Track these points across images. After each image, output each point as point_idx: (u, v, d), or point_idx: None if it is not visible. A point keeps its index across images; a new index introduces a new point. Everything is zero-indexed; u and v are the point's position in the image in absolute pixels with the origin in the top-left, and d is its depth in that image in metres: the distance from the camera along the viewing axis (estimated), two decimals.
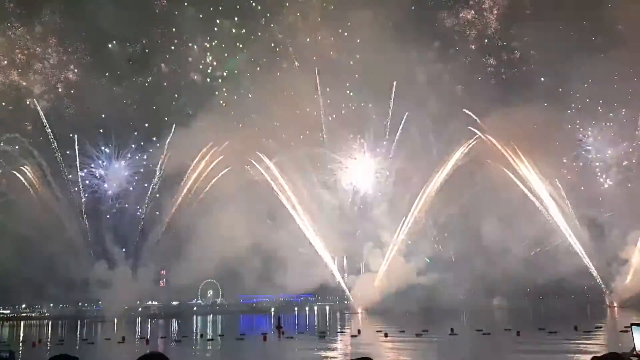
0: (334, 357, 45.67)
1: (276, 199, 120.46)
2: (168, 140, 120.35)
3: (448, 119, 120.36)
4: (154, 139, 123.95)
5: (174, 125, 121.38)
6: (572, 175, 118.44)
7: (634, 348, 4.83)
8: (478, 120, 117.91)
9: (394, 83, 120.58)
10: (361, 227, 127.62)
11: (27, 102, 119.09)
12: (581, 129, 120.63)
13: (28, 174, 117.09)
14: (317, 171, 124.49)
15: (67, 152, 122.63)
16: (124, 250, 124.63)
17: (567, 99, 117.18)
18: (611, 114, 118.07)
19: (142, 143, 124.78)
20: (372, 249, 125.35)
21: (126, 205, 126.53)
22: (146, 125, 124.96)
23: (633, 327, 4.89)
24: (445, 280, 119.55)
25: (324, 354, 47.45)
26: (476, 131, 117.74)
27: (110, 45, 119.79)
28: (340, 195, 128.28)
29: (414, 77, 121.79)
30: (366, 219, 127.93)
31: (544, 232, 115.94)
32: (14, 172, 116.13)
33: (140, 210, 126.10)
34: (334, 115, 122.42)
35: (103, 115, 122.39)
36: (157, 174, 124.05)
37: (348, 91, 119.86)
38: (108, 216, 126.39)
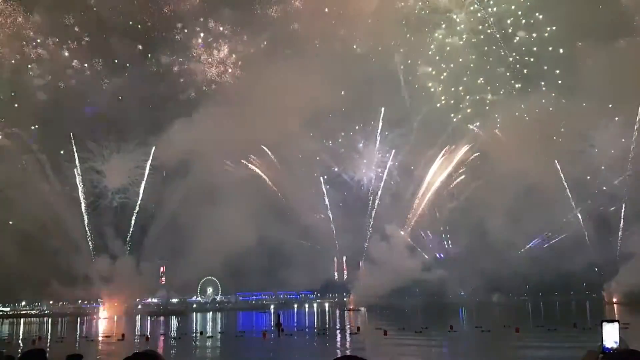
0: (332, 355, 45.57)
1: (278, 194, 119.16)
2: (169, 133, 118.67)
3: (454, 110, 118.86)
4: (155, 132, 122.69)
5: (176, 117, 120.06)
6: (578, 168, 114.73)
7: (602, 345, 4.95)
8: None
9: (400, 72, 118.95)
10: (364, 221, 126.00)
11: (26, 96, 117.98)
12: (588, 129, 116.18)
13: (28, 169, 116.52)
14: (320, 164, 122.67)
15: (67, 146, 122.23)
16: (126, 247, 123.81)
17: (575, 90, 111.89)
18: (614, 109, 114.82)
19: (143, 136, 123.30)
20: (374, 245, 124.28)
21: (127, 200, 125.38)
22: (147, 117, 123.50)
23: (603, 324, 5.01)
24: (446, 277, 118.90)
25: (322, 351, 47.49)
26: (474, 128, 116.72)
27: (110, 37, 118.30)
28: (343, 188, 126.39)
29: (418, 67, 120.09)
30: (369, 213, 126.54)
31: (548, 227, 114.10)
32: (14, 167, 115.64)
33: (141, 205, 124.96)
34: (338, 107, 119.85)
35: (103, 108, 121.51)
36: (159, 167, 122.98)
37: (352, 81, 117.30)
38: (108, 211, 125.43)
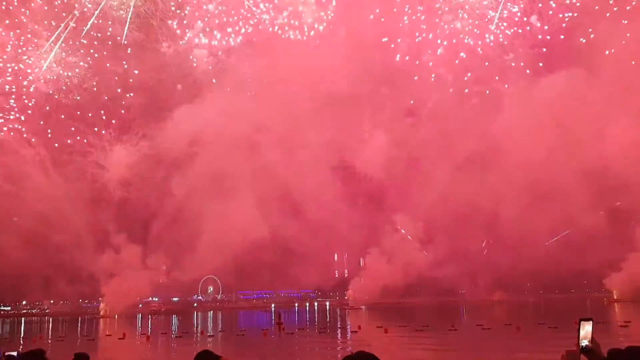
0: (334, 353, 45.66)
1: (283, 188, 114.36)
2: (172, 123, 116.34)
3: (465, 96, 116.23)
4: (158, 122, 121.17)
5: (178, 107, 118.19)
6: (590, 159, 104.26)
7: (578, 343, 5.00)
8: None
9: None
10: (368, 217, 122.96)
11: (26, 89, 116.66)
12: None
13: (27, 163, 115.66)
14: (327, 154, 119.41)
15: (69, 139, 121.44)
16: (128, 244, 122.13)
17: (592, 77, 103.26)
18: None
19: (146, 127, 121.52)
20: (376, 243, 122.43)
21: (130, 194, 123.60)
22: (150, 106, 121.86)
23: (581, 322, 5.04)
24: (449, 275, 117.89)
25: (324, 349, 47.51)
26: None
27: (109, 26, 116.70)
28: (352, 180, 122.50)
29: (428, 53, 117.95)
30: (377, 208, 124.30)
31: (554, 222, 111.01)
32: (14, 162, 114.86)
33: (144, 200, 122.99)
34: (346, 96, 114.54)
35: (104, 98, 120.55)
36: (163, 159, 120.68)
37: (360, 69, 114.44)
38: (110, 207, 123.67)
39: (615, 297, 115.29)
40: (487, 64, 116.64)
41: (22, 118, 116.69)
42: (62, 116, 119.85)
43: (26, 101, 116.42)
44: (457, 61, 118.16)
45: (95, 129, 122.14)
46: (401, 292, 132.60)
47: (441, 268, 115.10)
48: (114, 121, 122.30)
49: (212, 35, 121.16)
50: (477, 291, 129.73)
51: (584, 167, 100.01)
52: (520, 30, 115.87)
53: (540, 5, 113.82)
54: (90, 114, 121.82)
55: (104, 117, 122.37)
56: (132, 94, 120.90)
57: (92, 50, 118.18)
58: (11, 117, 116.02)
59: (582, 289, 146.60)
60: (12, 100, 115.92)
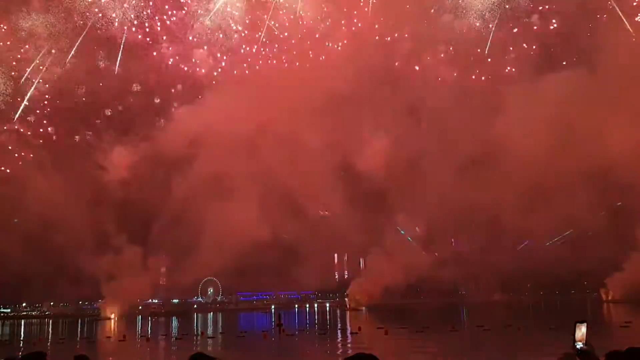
0: (334, 355, 45.59)
1: (284, 189, 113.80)
2: (172, 124, 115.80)
3: (467, 95, 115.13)
4: (158, 123, 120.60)
5: (178, 108, 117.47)
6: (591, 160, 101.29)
7: (574, 345, 4.99)
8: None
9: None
10: (369, 218, 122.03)
11: (27, 90, 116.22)
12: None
13: (28, 164, 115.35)
14: (328, 154, 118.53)
15: (69, 141, 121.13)
16: (128, 245, 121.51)
17: (594, 74, 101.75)
18: None
19: (147, 128, 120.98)
20: (376, 244, 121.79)
21: (130, 195, 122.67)
22: (150, 108, 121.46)
23: (576, 324, 5.04)
24: (449, 276, 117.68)
25: (324, 351, 47.44)
26: None
27: (110, 27, 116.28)
28: (352, 181, 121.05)
29: (431, 50, 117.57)
30: (378, 209, 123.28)
31: (554, 224, 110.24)
32: (13, 163, 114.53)
33: (145, 201, 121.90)
34: (347, 96, 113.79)
35: (105, 101, 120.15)
36: (163, 160, 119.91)
37: (360, 69, 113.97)
38: (111, 208, 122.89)
39: (616, 297, 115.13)
40: (489, 71, 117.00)
41: (23, 119, 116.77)
42: (63, 118, 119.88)
43: (27, 103, 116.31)
44: (458, 61, 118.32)
45: (96, 130, 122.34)
46: (402, 293, 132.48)
47: (442, 269, 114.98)
48: (113, 123, 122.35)
49: (212, 35, 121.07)
50: (478, 292, 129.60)
51: (585, 167, 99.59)
52: (522, 30, 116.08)
53: (541, 5, 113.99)
54: (90, 115, 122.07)
55: (104, 118, 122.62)
56: (132, 95, 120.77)
57: (92, 52, 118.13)
58: (12, 118, 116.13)
59: (582, 290, 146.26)
60: (13, 102, 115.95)
